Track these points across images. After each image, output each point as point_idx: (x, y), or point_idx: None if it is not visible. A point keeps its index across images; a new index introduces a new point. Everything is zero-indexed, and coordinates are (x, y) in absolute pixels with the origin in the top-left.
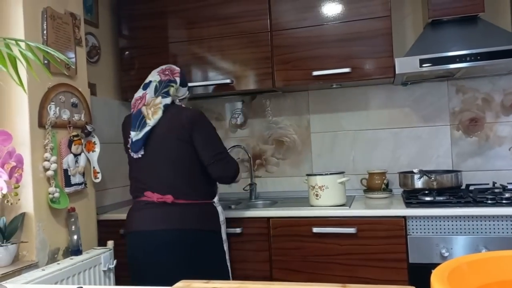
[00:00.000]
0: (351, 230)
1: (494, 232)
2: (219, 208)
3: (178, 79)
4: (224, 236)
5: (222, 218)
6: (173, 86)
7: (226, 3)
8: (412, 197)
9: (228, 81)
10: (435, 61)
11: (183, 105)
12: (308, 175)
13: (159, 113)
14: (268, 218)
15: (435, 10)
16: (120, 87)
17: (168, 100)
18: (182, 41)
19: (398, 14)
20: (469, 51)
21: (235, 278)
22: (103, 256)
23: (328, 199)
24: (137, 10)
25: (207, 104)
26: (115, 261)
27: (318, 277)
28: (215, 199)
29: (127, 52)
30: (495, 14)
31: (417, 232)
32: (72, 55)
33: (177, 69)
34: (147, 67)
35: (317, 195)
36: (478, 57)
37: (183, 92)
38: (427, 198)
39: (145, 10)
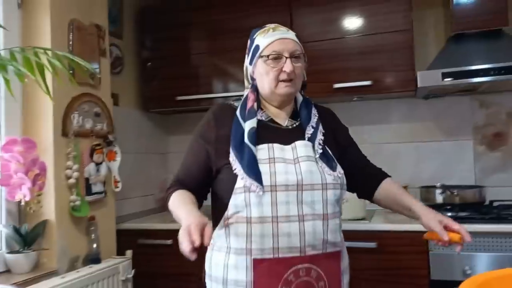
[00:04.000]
0: (372, 244)
1: None
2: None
3: None
4: None
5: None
6: None
7: (249, 16)
8: None
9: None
10: (457, 75)
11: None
12: None
13: None
14: None
15: (459, 24)
16: (142, 97)
17: None
18: (204, 53)
19: (420, 27)
20: (492, 65)
21: None
22: (121, 266)
23: (347, 212)
24: (161, 21)
25: None
26: (133, 271)
27: None
28: None
29: (149, 63)
30: None
31: (439, 248)
32: (96, 65)
33: None
34: (169, 77)
35: None
36: (502, 71)
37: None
38: (449, 214)
39: (168, 21)
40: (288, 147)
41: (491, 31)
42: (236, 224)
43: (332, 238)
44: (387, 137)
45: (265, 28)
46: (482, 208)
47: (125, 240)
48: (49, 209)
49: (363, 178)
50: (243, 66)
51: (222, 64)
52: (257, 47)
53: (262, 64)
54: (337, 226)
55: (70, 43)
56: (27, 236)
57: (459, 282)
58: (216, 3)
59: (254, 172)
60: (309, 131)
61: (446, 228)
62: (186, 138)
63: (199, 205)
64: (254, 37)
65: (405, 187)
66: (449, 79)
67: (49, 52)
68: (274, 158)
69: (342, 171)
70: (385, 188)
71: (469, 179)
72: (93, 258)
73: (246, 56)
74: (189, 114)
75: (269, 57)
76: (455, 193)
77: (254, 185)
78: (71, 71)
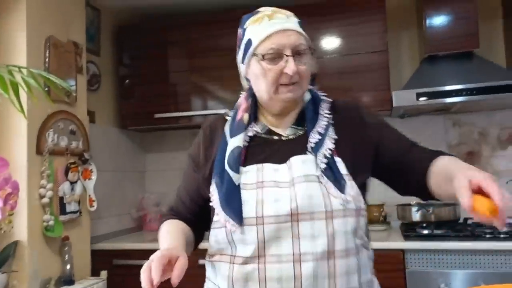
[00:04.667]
0: None
1: (493, 267)
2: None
3: None
4: None
5: None
6: None
7: (228, 35)
8: (410, 230)
9: (227, 110)
10: (431, 95)
11: None
12: None
13: None
14: None
15: (432, 46)
16: (120, 114)
17: None
18: (183, 71)
19: (395, 48)
20: (465, 86)
21: None
22: (96, 287)
23: None
24: (139, 39)
25: None
26: None
27: None
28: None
29: (127, 81)
30: (490, 50)
31: (416, 266)
32: (72, 82)
33: None
34: (147, 95)
35: None
36: (474, 92)
37: None
38: (425, 231)
39: (147, 39)
40: (283, 166)
41: (463, 53)
42: (219, 263)
43: (345, 284)
44: None
45: (258, 15)
46: (457, 225)
47: (100, 260)
48: (21, 230)
49: (407, 172)
50: (222, 84)
51: (201, 82)
52: (250, 41)
53: (256, 64)
54: (354, 267)
55: (47, 60)
56: None
57: None
58: (195, 21)
59: (231, 204)
60: (312, 139)
61: (478, 190)
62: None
63: (199, 236)
64: (245, 26)
65: (382, 205)
66: (424, 98)
67: (24, 70)
68: (263, 182)
69: (356, 191)
70: (435, 171)
71: None
72: (66, 280)
73: (237, 49)
74: (167, 132)
75: (265, 57)
76: (431, 211)
77: (229, 222)
78: (46, 89)
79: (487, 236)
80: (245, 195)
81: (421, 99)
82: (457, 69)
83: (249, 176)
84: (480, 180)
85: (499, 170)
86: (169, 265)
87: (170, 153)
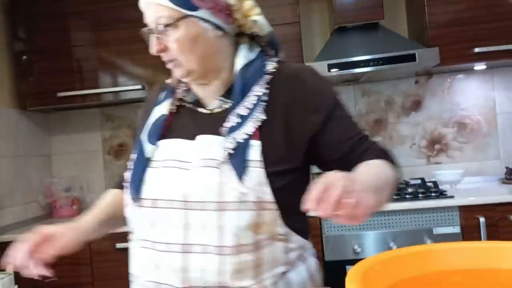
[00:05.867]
0: None
1: (400, 226)
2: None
3: None
4: None
5: None
6: None
7: (136, 5)
8: None
9: (139, 86)
10: (342, 66)
11: None
12: None
13: None
14: None
15: (341, 17)
16: (18, 94)
17: None
18: (88, 45)
19: (307, 20)
20: (371, 56)
21: None
22: (1, 282)
23: None
24: (34, 11)
25: (118, 111)
26: (16, 287)
27: None
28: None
29: (24, 57)
30: (394, 21)
31: (331, 231)
32: None
33: None
34: (48, 72)
35: None
36: (380, 62)
37: None
38: None
39: (43, 11)
40: (190, 145)
41: (370, 24)
42: (130, 244)
43: (237, 282)
44: None
45: None
46: None
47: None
48: None
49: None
50: (132, 58)
51: (109, 56)
52: None
53: None
54: (249, 265)
55: None
56: None
57: (351, 261)
58: None
59: (134, 179)
60: (230, 119)
61: None
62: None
63: None
64: None
65: None
66: (335, 70)
67: None
68: (166, 160)
69: (260, 182)
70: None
71: None
72: None
73: None
74: (73, 112)
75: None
76: None
77: (128, 198)
78: None
79: (395, 197)
80: (148, 173)
81: (332, 70)
82: (365, 40)
83: (159, 153)
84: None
85: (404, 135)
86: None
87: (78, 134)
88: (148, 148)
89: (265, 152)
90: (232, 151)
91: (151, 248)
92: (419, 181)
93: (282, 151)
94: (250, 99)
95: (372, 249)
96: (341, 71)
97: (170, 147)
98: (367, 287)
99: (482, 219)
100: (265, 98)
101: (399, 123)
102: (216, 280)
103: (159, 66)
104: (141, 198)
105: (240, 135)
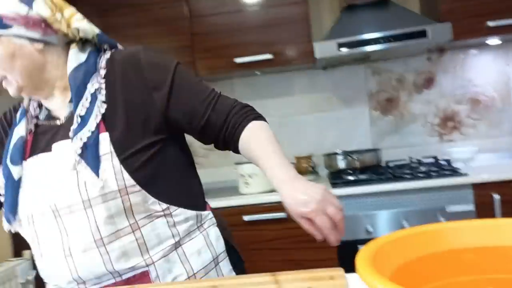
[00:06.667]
0: (282, 215)
1: (413, 205)
2: None
3: None
4: None
5: None
6: None
7: None
8: (337, 178)
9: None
10: (352, 44)
11: None
12: (236, 163)
13: None
14: None
15: None
16: None
17: None
18: None
19: None
20: (382, 34)
21: None
22: (19, 268)
23: (257, 186)
24: None
25: None
26: (34, 272)
27: (251, 265)
28: None
29: None
30: None
31: (344, 211)
32: None
33: None
34: None
35: (246, 183)
36: (390, 39)
37: None
38: (351, 178)
39: None
40: (48, 157)
41: (379, 0)
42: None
43: (124, 264)
44: (290, 110)
45: None
46: (380, 169)
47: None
48: None
49: (207, 137)
50: (137, 43)
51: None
52: None
53: None
54: (133, 245)
55: None
56: None
57: (364, 240)
58: None
59: (7, 203)
60: (74, 121)
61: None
62: None
63: None
64: None
65: (310, 157)
66: (345, 48)
67: None
68: (31, 176)
69: (115, 171)
70: (243, 147)
71: (367, 143)
72: None
73: None
74: None
75: None
76: (355, 158)
77: (4, 220)
78: None
79: (407, 176)
80: (21, 191)
81: (342, 49)
82: (375, 17)
83: (26, 171)
84: (307, 215)
85: (416, 113)
86: None
87: None
88: (14, 170)
89: (114, 141)
90: (81, 151)
91: (42, 260)
92: (432, 160)
93: (131, 133)
94: (87, 95)
95: (385, 229)
96: (350, 50)
97: (33, 163)
98: (378, 267)
99: (496, 197)
100: (104, 91)
101: (411, 101)
102: (105, 270)
103: (166, 51)
104: (18, 220)
105: (85, 134)
